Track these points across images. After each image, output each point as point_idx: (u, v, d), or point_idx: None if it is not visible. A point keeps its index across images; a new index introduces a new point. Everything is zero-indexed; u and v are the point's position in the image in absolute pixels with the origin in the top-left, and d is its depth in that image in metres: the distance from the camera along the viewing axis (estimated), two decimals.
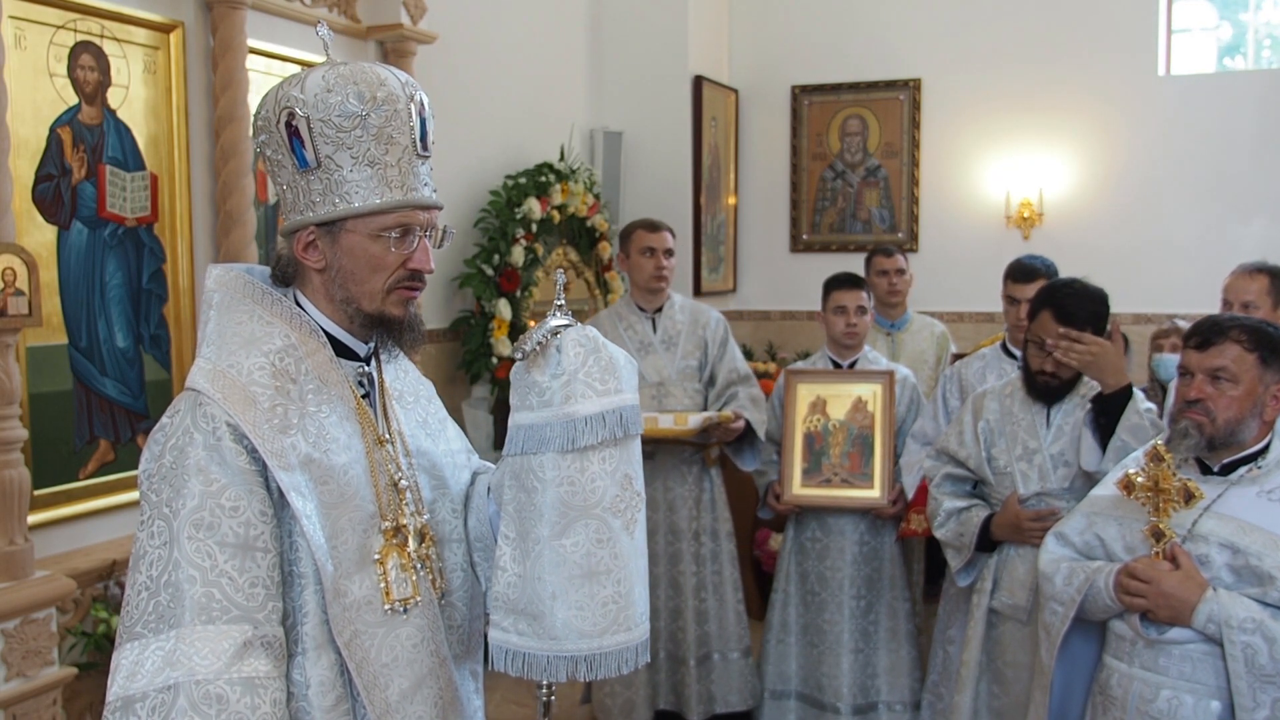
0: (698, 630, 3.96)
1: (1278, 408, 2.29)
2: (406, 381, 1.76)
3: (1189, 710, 2.21)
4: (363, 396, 1.62)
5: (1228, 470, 2.32)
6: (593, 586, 1.50)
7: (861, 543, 3.89)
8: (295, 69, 3.82)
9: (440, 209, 1.60)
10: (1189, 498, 2.23)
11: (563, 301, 1.59)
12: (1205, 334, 2.31)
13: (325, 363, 1.56)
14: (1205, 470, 2.35)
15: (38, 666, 2.71)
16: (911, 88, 6.61)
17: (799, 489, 3.89)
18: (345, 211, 1.51)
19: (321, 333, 1.57)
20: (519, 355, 1.54)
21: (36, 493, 2.93)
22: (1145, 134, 6.17)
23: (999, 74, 6.39)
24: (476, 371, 4.85)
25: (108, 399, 3.22)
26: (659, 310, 4.03)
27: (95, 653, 2.97)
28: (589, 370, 1.52)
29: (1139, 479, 2.28)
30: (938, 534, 3.21)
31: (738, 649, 4.00)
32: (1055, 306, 2.92)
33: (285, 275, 1.61)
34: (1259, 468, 2.28)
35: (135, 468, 3.31)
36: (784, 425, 3.94)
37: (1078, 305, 2.91)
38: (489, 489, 1.72)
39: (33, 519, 2.84)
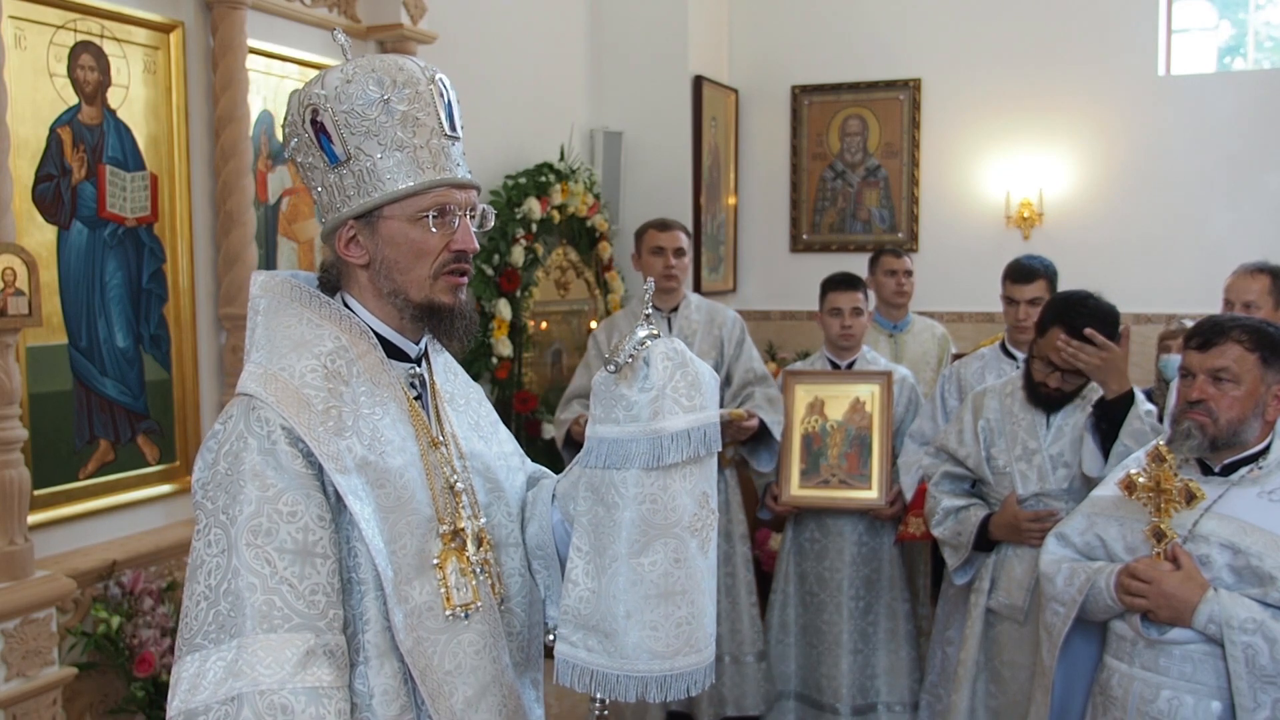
0: None
1: (1279, 408, 2.29)
2: (457, 384, 1.73)
3: (1189, 710, 2.22)
4: (415, 398, 1.59)
5: (1228, 471, 2.32)
6: (668, 607, 1.46)
7: (860, 544, 3.89)
8: (295, 69, 3.83)
9: (477, 189, 1.57)
10: (1190, 498, 2.23)
11: (650, 311, 1.54)
12: (1206, 334, 2.32)
13: (376, 364, 1.53)
14: (1206, 471, 2.35)
15: (38, 666, 2.71)
16: (911, 88, 6.60)
17: (797, 490, 3.90)
18: (380, 199, 1.49)
19: (371, 334, 1.55)
20: (611, 368, 1.49)
21: (36, 493, 2.93)
22: (1145, 134, 6.17)
23: (999, 74, 6.39)
24: (476, 371, 4.85)
25: (108, 399, 3.22)
26: (674, 310, 4.02)
27: (95, 653, 2.97)
28: (676, 385, 1.47)
29: (1141, 479, 2.29)
30: (935, 532, 3.21)
31: (751, 652, 3.96)
32: (1068, 325, 2.86)
33: (331, 281, 1.59)
34: (1260, 468, 2.28)
35: (135, 468, 3.32)
36: (782, 426, 3.94)
37: (1092, 324, 2.85)
38: (553, 496, 1.68)
39: (33, 519, 2.84)
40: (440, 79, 1.55)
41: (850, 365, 3.99)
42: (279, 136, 3.74)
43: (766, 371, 4.04)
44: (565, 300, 5.40)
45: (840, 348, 3.98)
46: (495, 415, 1.80)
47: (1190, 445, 2.28)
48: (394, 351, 1.58)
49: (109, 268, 3.21)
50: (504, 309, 4.81)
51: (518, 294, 4.90)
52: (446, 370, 1.72)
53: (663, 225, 3.98)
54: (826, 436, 3.91)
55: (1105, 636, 2.45)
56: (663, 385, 1.46)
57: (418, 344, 1.62)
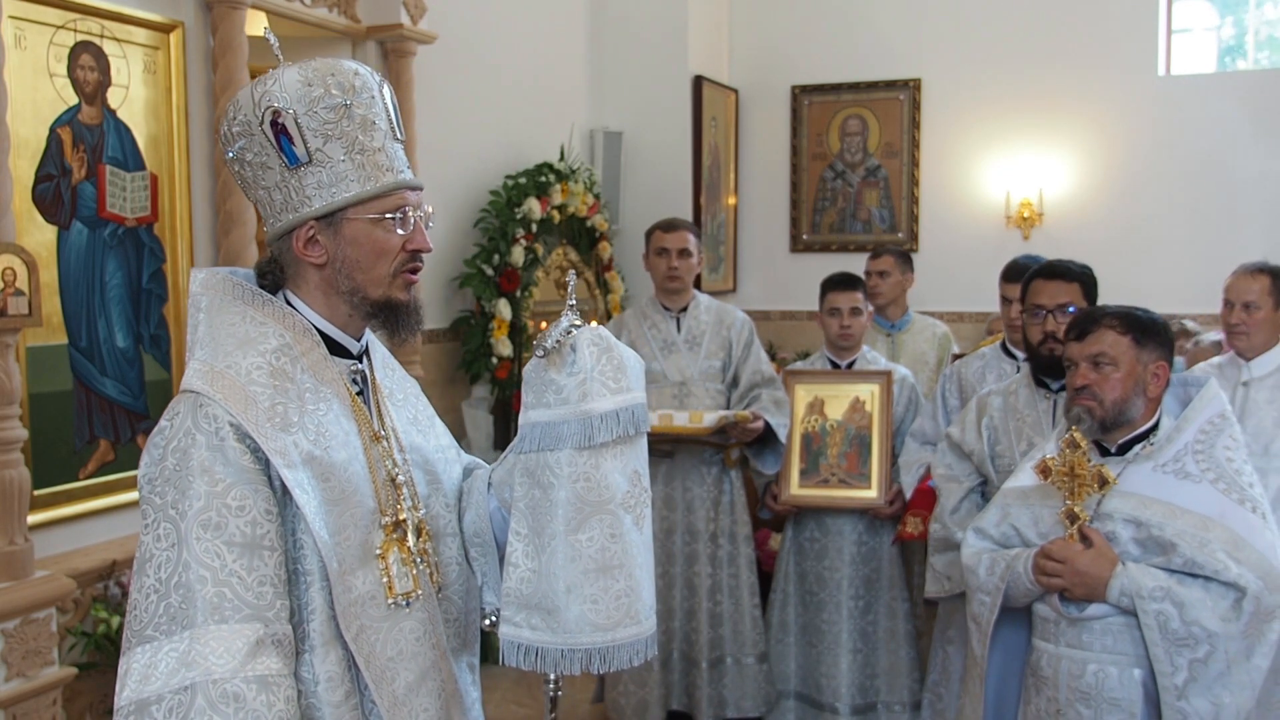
0: (711, 633, 3.92)
1: (1159, 385, 2.40)
2: (395, 379, 1.78)
3: (1114, 681, 2.32)
4: (357, 394, 1.64)
5: (1124, 450, 2.43)
6: (606, 580, 1.52)
7: (860, 543, 3.89)
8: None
9: (422, 189, 1.64)
10: (1103, 483, 2.34)
11: (574, 301, 1.63)
12: (1082, 325, 2.45)
13: (320, 361, 1.57)
14: (1104, 452, 2.45)
15: (38, 666, 2.71)
16: (911, 88, 6.61)
17: (796, 489, 3.89)
18: (347, 200, 1.53)
19: (315, 331, 1.58)
20: (540, 353, 1.57)
21: (36, 493, 2.93)
22: (1145, 134, 6.17)
23: (999, 74, 6.39)
24: (476, 371, 4.85)
25: (108, 399, 3.22)
26: (684, 310, 4.01)
27: (95, 653, 2.97)
28: (603, 369, 1.55)
29: (1055, 464, 2.39)
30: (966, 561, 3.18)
31: (752, 654, 3.94)
32: (1044, 272, 2.98)
33: (274, 280, 1.61)
34: (1151, 444, 2.40)
35: (135, 468, 3.31)
36: (788, 429, 3.93)
37: (1063, 264, 2.98)
38: (489, 484, 1.74)
39: (33, 519, 2.85)
40: (386, 83, 1.61)
41: (850, 365, 3.99)
42: None
43: (774, 374, 4.03)
44: (565, 300, 5.40)
45: (840, 347, 3.98)
46: (432, 410, 1.86)
47: (1082, 429, 2.39)
48: (336, 348, 1.62)
49: (109, 268, 3.21)
50: (504, 309, 4.81)
51: (518, 294, 4.91)
52: (385, 366, 1.77)
53: (669, 226, 3.96)
54: (826, 436, 3.91)
55: (1031, 621, 2.53)
56: (590, 369, 1.55)
57: (359, 341, 1.66)
